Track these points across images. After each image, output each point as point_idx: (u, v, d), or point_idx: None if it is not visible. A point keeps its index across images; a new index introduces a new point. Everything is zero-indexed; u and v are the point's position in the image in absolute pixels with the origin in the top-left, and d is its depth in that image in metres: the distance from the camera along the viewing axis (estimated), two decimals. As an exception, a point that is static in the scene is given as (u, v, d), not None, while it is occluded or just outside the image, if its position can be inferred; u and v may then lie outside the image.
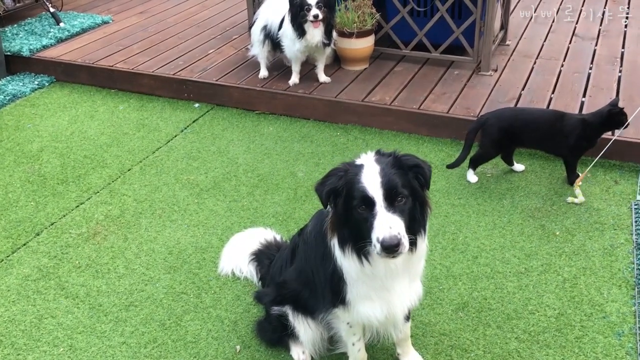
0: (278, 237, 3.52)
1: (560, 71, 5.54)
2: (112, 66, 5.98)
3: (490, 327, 3.10)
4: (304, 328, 2.79)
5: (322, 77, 5.45)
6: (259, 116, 5.38)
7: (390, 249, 2.09)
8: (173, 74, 5.75)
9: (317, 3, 4.94)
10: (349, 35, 5.47)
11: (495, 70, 5.59)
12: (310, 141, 4.94)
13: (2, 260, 3.70)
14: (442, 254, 3.61)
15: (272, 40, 5.42)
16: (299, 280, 2.73)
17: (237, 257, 3.49)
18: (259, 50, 5.57)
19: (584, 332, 3.03)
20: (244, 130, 5.16)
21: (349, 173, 2.22)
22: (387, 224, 2.12)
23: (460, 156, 4.25)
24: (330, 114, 5.19)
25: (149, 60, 6.07)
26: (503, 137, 4.21)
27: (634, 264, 3.46)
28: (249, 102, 5.46)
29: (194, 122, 5.33)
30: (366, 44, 5.60)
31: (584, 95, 5.06)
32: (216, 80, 5.59)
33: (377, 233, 2.12)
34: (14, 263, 3.67)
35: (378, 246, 2.11)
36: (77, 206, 4.22)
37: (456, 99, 5.08)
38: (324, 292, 2.56)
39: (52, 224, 4.02)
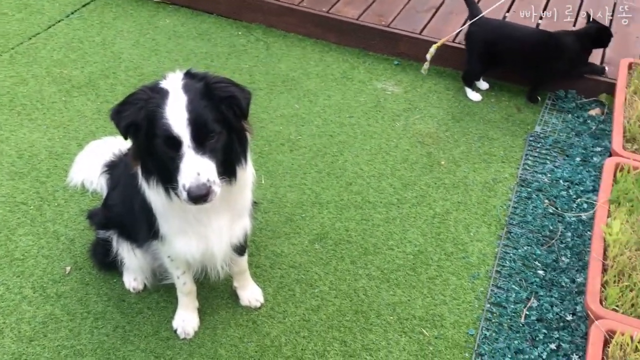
0: (135, 149, 3.20)
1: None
2: None
3: (343, 261, 2.94)
4: (129, 256, 2.56)
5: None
6: (158, 6, 4.86)
7: (199, 199, 1.84)
8: (66, -52, 5.10)
9: None
10: None
11: (425, -26, 5.12)
12: (208, 39, 4.51)
13: None
14: (316, 179, 3.38)
15: None
16: (123, 205, 2.47)
17: (89, 167, 3.18)
18: None
19: (438, 273, 2.90)
20: (137, 20, 4.66)
21: (151, 103, 1.88)
22: (195, 169, 1.84)
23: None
24: (234, 10, 4.72)
25: None
26: (488, 51, 3.91)
27: (510, 200, 3.30)
28: (147, -11, 4.91)
29: (83, 6, 4.79)
30: None
31: (509, 9, 4.68)
32: (113, -40, 4.98)
33: (183, 179, 1.85)
34: None
35: (184, 194, 1.85)
36: None
37: (371, 4, 4.65)
38: (141, 223, 2.31)
39: None
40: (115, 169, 2.99)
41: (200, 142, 1.86)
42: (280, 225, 3.10)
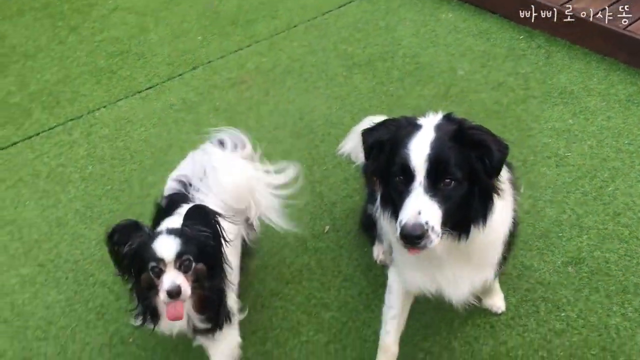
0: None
1: None
2: None
3: (598, 292, 2.74)
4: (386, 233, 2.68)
5: None
6: (443, -1, 4.95)
7: (409, 238, 1.74)
8: None
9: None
10: None
11: None
12: (487, 39, 4.47)
13: (158, 84, 4.01)
14: (579, 200, 3.19)
15: None
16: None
17: (360, 142, 3.39)
18: None
19: None
20: (421, 11, 4.80)
21: (401, 130, 1.88)
22: (417, 207, 1.74)
23: None
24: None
25: None
26: None
27: None
28: (436, -19, 5.01)
29: (374, -10, 5.07)
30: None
31: None
32: (410, -50, 5.17)
33: (402, 214, 1.76)
34: (166, 90, 3.96)
35: (399, 230, 1.77)
36: (236, 51, 4.36)
37: (677, 27, 4.19)
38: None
39: (209, 62, 4.23)
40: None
41: (434, 182, 1.77)
42: (534, 239, 2.99)
